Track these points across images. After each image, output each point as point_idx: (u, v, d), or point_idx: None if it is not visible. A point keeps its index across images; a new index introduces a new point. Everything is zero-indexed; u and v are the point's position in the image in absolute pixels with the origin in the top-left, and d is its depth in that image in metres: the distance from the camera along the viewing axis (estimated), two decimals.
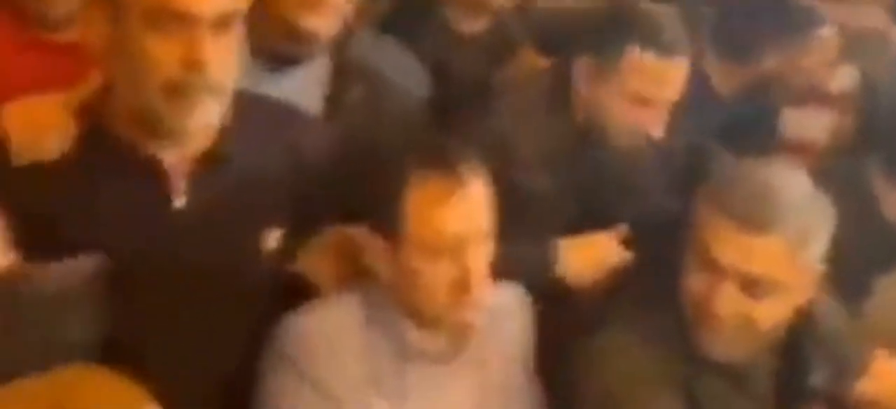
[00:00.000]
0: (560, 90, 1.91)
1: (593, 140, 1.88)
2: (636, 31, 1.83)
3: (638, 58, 1.81)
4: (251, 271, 1.48)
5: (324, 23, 1.69)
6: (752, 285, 1.45)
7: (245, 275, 1.46)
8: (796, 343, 1.56)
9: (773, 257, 1.45)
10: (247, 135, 1.46)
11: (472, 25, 2.20)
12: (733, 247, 1.44)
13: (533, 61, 2.20)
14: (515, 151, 1.86)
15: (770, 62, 2.33)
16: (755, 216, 1.44)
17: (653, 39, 1.81)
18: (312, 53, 1.75)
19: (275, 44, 1.71)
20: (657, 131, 1.85)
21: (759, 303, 1.47)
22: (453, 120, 1.94)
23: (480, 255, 1.40)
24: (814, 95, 2.55)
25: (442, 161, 1.40)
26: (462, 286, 1.38)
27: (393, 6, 2.22)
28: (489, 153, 1.78)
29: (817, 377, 1.63)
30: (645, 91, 1.82)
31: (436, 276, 1.39)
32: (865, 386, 1.71)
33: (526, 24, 2.29)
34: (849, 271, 1.91)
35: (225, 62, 1.36)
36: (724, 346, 1.51)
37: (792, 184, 1.51)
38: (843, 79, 2.58)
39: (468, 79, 2.13)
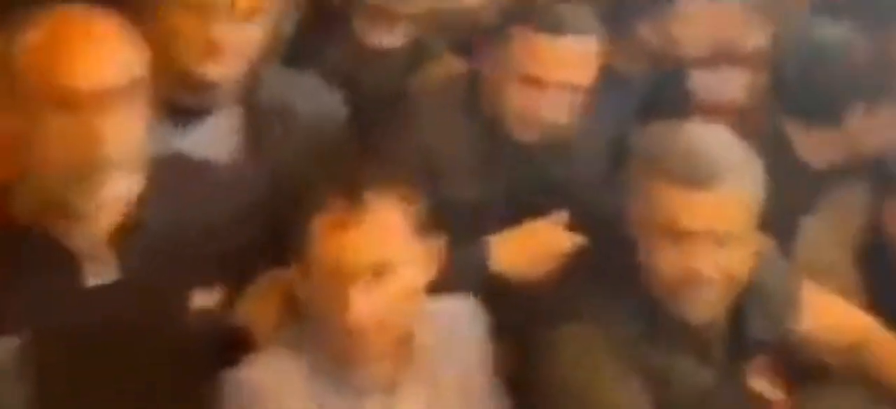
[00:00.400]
0: (476, 92, 1.90)
1: (501, 135, 1.86)
2: (529, 12, 1.82)
3: (527, 37, 1.79)
4: (186, 333, 1.45)
5: (223, 70, 1.65)
6: (723, 241, 1.49)
7: (180, 337, 1.44)
8: (739, 297, 1.57)
9: (731, 208, 1.49)
10: (162, 197, 1.43)
11: (387, 38, 2.18)
12: (695, 210, 1.46)
13: (452, 67, 2.17)
14: (438, 162, 1.85)
15: (644, 32, 2.34)
16: (703, 174, 1.47)
17: (542, 19, 1.79)
18: (218, 102, 1.72)
19: (179, 97, 1.68)
20: (551, 115, 1.82)
21: (732, 255, 1.50)
22: (373, 140, 1.92)
23: (382, 284, 1.37)
24: (724, 56, 2.59)
25: (345, 189, 1.38)
26: (344, 313, 1.36)
27: (300, 26, 2.17)
28: (411, 169, 1.79)
29: (760, 328, 1.65)
30: (535, 71, 1.79)
31: (329, 305, 1.37)
32: (804, 326, 1.74)
33: (443, 31, 2.26)
34: (775, 216, 1.99)
35: (127, 135, 1.33)
36: (709, 308, 1.53)
37: (717, 136, 1.55)
38: (757, 36, 2.63)
39: (384, 93, 2.09)
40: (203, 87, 1.66)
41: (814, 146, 2.12)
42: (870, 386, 1.78)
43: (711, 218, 1.47)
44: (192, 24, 1.61)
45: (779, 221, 1.96)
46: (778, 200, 1.97)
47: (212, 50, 1.62)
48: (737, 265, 1.51)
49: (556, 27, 1.79)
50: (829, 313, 1.78)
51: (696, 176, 1.46)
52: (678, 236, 1.47)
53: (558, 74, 1.80)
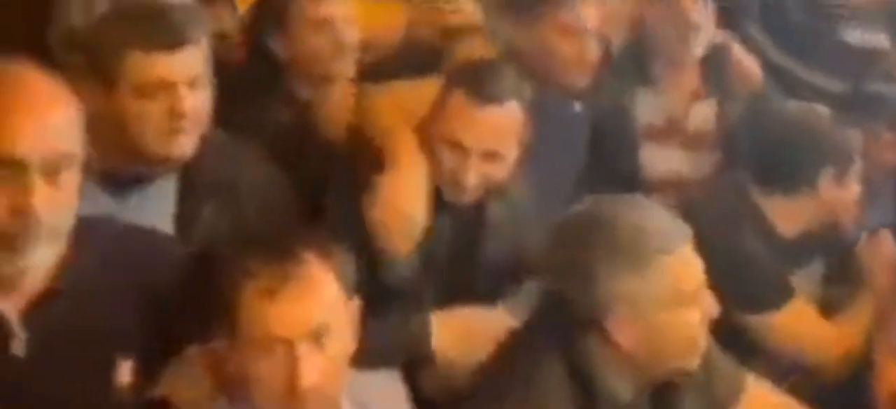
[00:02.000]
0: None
1: (440, 197, 1.86)
2: (464, 74, 1.84)
3: (457, 101, 1.81)
4: (106, 405, 1.42)
5: (185, 143, 1.66)
6: (696, 298, 1.57)
7: None
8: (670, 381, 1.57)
9: (697, 264, 1.58)
10: (87, 265, 1.40)
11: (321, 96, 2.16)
12: (692, 280, 1.57)
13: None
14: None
15: None
16: (666, 244, 1.55)
17: (472, 84, 1.81)
18: (163, 174, 1.72)
19: (124, 167, 1.68)
20: (475, 180, 1.82)
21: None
22: (318, 206, 1.91)
23: (323, 348, 1.33)
24: (671, 132, 2.62)
25: (273, 254, 1.33)
26: (290, 388, 1.31)
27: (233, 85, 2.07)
28: (359, 239, 1.78)
29: None
30: (459, 137, 1.81)
31: (265, 377, 1.32)
32: None
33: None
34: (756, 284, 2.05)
35: (59, 207, 1.31)
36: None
37: (653, 208, 1.62)
38: (703, 113, 2.65)
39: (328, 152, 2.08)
40: (159, 162, 1.66)
41: (786, 215, 2.15)
42: None
43: (698, 280, 1.57)
44: (157, 106, 1.63)
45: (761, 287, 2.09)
46: (759, 268, 2.05)
47: (179, 126, 1.63)
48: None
49: (482, 94, 1.80)
50: (765, 405, 1.79)
51: (666, 249, 1.54)
52: (681, 304, 1.55)
53: (481, 142, 1.81)
